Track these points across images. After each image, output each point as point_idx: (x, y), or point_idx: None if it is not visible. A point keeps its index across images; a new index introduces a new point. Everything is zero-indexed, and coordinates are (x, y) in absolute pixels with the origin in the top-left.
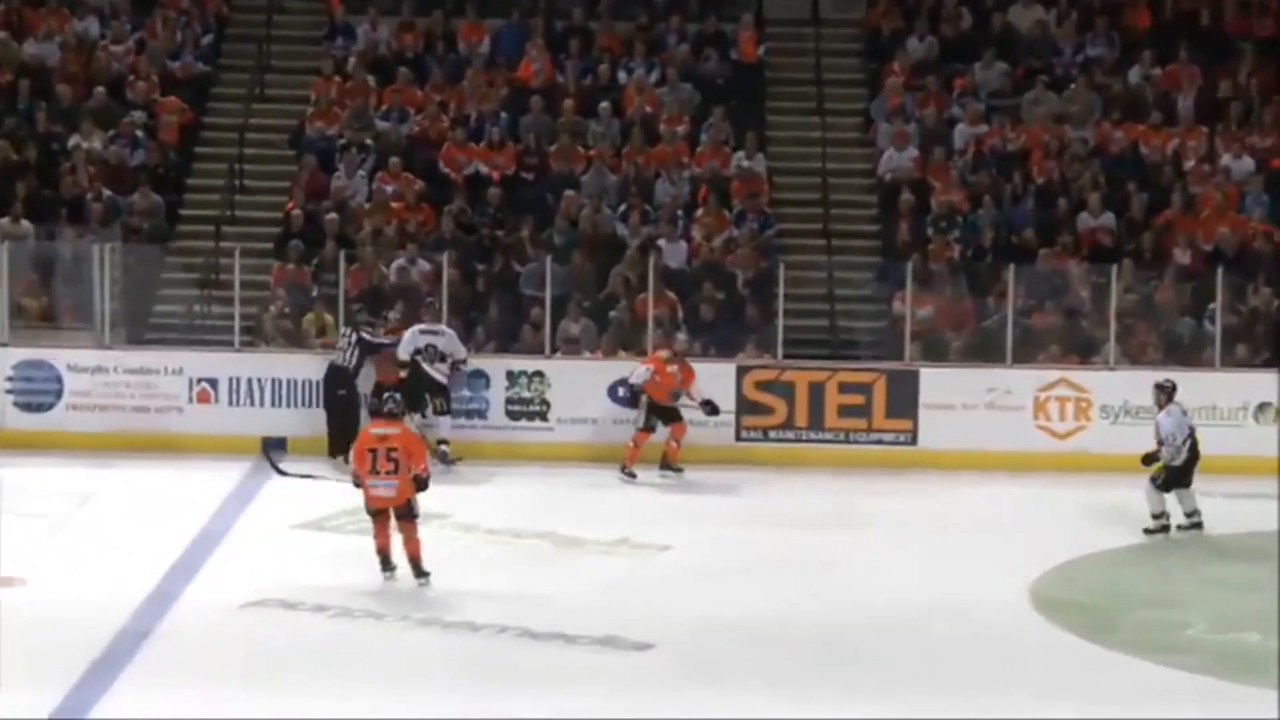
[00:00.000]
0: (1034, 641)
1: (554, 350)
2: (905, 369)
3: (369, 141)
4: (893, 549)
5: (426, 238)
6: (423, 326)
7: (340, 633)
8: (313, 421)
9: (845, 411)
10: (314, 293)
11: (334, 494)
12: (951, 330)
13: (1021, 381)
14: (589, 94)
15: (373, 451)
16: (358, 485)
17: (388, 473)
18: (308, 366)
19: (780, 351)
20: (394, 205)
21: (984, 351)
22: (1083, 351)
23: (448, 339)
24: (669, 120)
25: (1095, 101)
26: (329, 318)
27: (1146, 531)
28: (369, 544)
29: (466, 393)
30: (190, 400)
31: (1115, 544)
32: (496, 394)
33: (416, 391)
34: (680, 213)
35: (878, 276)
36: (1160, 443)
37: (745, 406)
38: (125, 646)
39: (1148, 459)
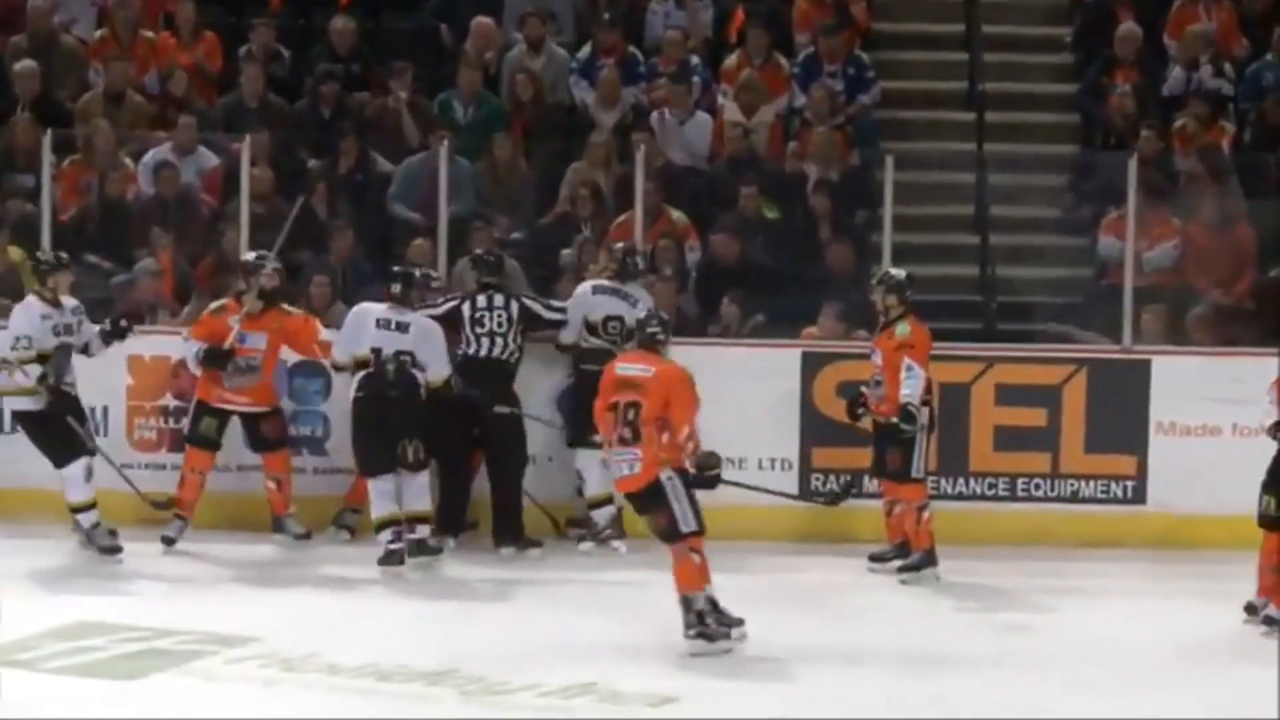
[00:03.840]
0: None
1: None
2: (1124, 358)
3: None
4: (1109, 698)
5: (210, 108)
6: (604, 283)
7: None
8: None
9: (1008, 439)
10: None
11: (37, 607)
12: (1213, 284)
13: None
14: None
15: (614, 407)
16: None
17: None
18: None
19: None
20: (147, 42)
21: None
22: None
23: (638, 304)
24: None
25: None
26: (18, 254)
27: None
28: (94, 689)
29: (289, 404)
30: None
31: None
32: (344, 401)
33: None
34: (696, 62)
35: (1072, 184)
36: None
37: (817, 428)
38: None
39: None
